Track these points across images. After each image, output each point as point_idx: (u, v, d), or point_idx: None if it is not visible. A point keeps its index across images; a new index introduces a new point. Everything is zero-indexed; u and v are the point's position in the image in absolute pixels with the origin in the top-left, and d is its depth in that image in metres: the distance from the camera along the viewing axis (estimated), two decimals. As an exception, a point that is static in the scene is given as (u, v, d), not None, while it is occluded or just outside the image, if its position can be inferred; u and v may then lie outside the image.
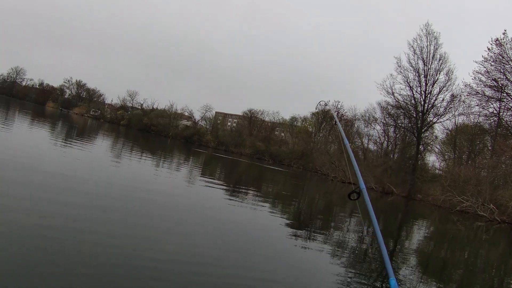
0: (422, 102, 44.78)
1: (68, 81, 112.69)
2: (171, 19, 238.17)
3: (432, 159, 52.82)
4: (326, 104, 6.18)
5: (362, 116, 66.10)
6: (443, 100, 44.32)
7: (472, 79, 42.58)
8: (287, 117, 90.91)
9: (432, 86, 44.17)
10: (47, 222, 6.21)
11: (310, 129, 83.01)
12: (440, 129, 50.05)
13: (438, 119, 46.00)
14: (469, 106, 43.91)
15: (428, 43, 43.81)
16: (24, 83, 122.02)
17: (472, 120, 46.04)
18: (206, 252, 6.76)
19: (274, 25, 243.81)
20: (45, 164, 11.94)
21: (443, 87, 43.61)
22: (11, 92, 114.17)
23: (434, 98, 44.45)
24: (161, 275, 5.20)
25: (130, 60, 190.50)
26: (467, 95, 42.21)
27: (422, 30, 44.08)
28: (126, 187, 11.56)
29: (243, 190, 18.48)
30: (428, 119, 45.97)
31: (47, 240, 5.43)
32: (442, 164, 51.51)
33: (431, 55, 43.81)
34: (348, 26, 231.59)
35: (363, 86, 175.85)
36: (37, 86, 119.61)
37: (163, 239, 7.08)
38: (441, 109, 44.88)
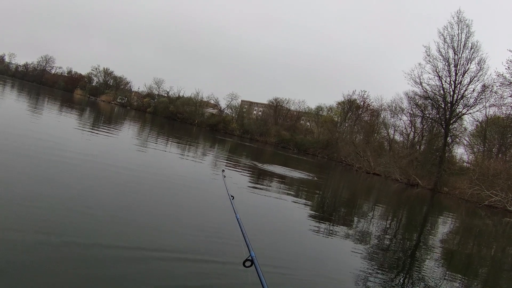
0: (451, 93, 43.63)
1: (96, 69, 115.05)
2: (197, 6, 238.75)
3: (460, 152, 51.72)
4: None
5: (389, 106, 64.98)
6: (473, 90, 42.94)
7: (506, 68, 41.00)
8: (312, 106, 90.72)
9: (463, 76, 42.89)
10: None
11: (336, 119, 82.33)
12: (469, 121, 48.76)
13: (467, 110, 44.69)
14: (501, 97, 42.14)
15: (460, 31, 42.43)
16: (53, 71, 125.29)
17: (504, 112, 44.56)
18: (225, 236, 6.86)
19: (299, 12, 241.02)
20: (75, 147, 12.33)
21: (474, 77, 42.21)
22: (41, 79, 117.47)
23: (464, 89, 43.23)
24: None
25: (156, 48, 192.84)
26: (499, 86, 40.55)
27: (453, 17, 42.70)
28: (151, 173, 11.80)
29: (267, 178, 18.52)
30: (457, 110, 44.74)
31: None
32: (470, 157, 50.36)
33: (462, 43, 42.46)
34: (376, 12, 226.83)
35: (390, 76, 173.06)
36: (66, 74, 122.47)
37: (183, 221, 7.24)
38: (471, 100, 43.55)
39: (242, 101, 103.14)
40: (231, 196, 4.51)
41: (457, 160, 49.78)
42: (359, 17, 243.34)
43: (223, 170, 5.74)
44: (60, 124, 20.56)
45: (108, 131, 22.80)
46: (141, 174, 11.33)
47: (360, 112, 75.90)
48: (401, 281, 7.10)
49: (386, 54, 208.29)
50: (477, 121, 48.01)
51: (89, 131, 20.05)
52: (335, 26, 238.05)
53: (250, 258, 2.72)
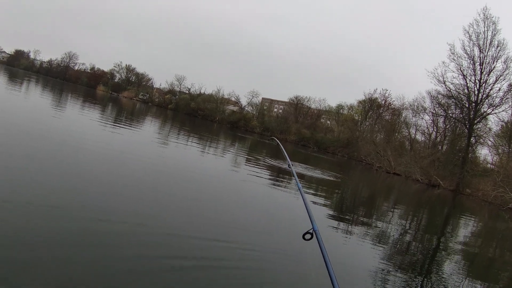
0: (476, 92, 42.71)
1: (118, 65, 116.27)
2: (217, 5, 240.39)
3: (484, 153, 50.43)
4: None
5: (410, 105, 63.75)
6: (499, 89, 41.94)
7: (534, 67, 39.96)
8: (333, 104, 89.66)
9: (488, 75, 41.92)
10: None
11: (356, 117, 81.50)
12: (494, 121, 47.45)
13: (493, 110, 43.66)
14: (528, 97, 41.25)
15: (486, 29, 41.43)
16: (76, 68, 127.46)
17: (532, 112, 43.38)
18: (239, 233, 6.96)
19: (314, 13, 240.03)
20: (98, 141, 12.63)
21: (500, 76, 41.24)
22: (65, 76, 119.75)
23: (489, 88, 42.27)
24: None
25: (178, 46, 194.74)
26: (527, 85, 39.66)
27: (479, 14, 41.75)
28: (174, 167, 11.99)
29: (286, 175, 18.52)
30: (482, 110, 43.78)
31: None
32: (495, 158, 49.15)
33: (488, 41, 41.45)
34: (393, 9, 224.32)
35: (412, 75, 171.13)
36: (89, 70, 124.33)
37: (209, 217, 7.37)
38: (497, 100, 42.54)
39: (262, 98, 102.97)
40: (291, 163, 4.42)
41: (481, 161, 48.67)
42: (365, 17, 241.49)
43: (273, 138, 5.70)
44: (85, 119, 21.01)
45: (131, 126, 23.20)
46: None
47: (381, 111, 74.98)
48: (419, 283, 7.08)
49: (407, 52, 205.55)
50: (502, 121, 46.76)
51: (112, 126, 20.45)
52: (348, 25, 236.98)
53: (311, 231, 2.49)
